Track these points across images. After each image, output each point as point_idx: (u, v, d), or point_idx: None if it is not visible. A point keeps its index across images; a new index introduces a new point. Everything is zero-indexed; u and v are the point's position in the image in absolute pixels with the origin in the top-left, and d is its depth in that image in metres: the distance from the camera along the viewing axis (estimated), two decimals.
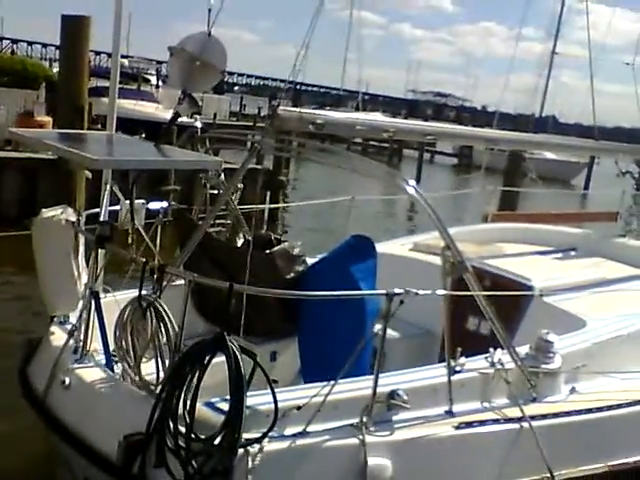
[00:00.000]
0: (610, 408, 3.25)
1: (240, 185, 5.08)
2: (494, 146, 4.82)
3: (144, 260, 2.90)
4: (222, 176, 4.43)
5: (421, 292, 2.71)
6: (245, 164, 3.81)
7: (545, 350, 3.27)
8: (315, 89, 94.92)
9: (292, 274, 4.01)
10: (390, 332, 4.56)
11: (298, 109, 3.44)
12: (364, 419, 2.71)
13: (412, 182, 3.00)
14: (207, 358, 2.52)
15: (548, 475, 2.91)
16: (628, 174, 6.31)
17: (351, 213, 5.32)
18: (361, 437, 2.66)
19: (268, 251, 4.08)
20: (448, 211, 7.43)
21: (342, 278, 3.69)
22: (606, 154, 6.32)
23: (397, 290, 2.69)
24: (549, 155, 24.37)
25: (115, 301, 3.24)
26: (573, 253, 5.77)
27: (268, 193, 14.98)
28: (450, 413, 2.94)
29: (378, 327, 4.33)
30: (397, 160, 36.42)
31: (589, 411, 3.18)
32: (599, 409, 3.22)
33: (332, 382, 2.67)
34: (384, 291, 2.71)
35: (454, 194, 8.03)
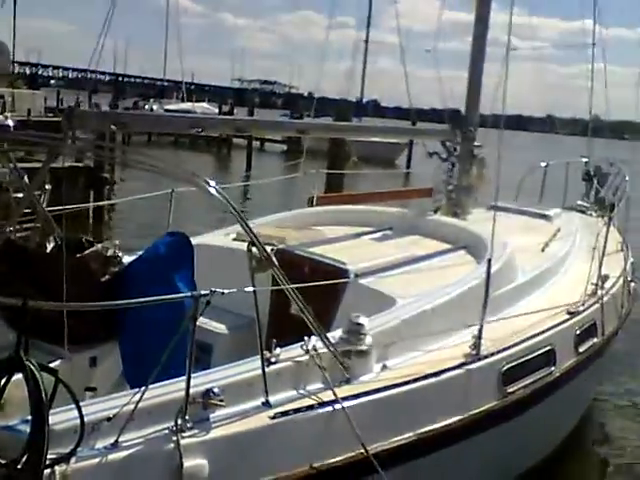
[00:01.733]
0: (416, 380, 3.42)
1: (48, 186, 4.83)
2: (304, 135, 4.92)
3: None
4: (26, 178, 4.17)
5: (226, 291, 2.70)
6: (45, 165, 3.61)
7: (356, 332, 3.37)
8: (138, 80, 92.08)
9: (107, 276, 3.88)
10: (217, 326, 4.60)
11: (94, 109, 3.27)
12: (179, 422, 2.66)
13: (212, 182, 2.97)
14: (2, 381, 2.34)
15: (362, 451, 3.01)
16: (435, 155, 6.69)
17: (172, 207, 5.19)
18: (176, 440, 2.61)
19: (79, 255, 3.90)
20: (278, 197, 7.51)
21: (158, 276, 3.62)
22: (408, 137, 6.73)
23: (203, 292, 2.66)
24: (390, 125, 25.34)
25: None
26: (390, 233, 6.03)
27: (92, 192, 14.41)
28: (267, 404, 2.96)
29: (200, 322, 4.32)
30: (227, 150, 36.27)
31: (397, 385, 3.33)
32: (406, 382, 3.38)
33: (142, 388, 2.60)
34: (189, 293, 2.67)
35: (282, 179, 8.09)
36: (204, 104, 48.50)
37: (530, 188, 9.12)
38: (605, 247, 5.38)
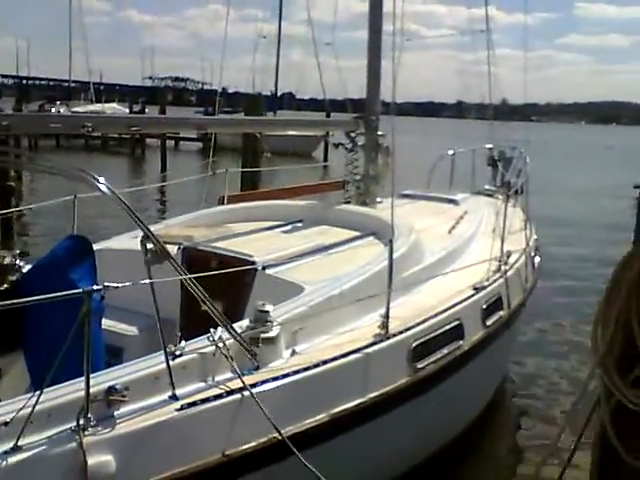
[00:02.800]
0: (325, 362, 3.50)
1: None
2: (203, 131, 4.90)
3: None
4: None
5: (120, 285, 2.69)
6: None
7: (263, 320, 3.43)
8: (44, 83, 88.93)
9: (5, 285, 3.78)
10: (127, 328, 4.55)
11: None
12: (81, 421, 2.65)
13: (102, 179, 2.95)
14: None
15: (276, 435, 3.07)
16: (341, 146, 6.79)
17: (75, 212, 5.08)
18: (78, 439, 2.60)
19: None
20: (194, 197, 7.42)
21: (57, 281, 3.53)
22: (312, 129, 6.78)
23: (95, 287, 2.65)
24: (294, 118, 25.29)
25: None
26: (300, 225, 6.10)
27: None
28: (174, 397, 2.98)
29: (109, 325, 4.27)
30: (141, 151, 35.51)
31: (306, 369, 3.41)
32: (316, 365, 3.46)
33: (38, 391, 2.57)
34: (80, 290, 2.64)
35: (194, 179, 8.00)
36: (114, 104, 47.41)
37: (442, 175, 9.39)
38: (505, 225, 5.61)
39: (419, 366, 4.07)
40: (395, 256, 4.65)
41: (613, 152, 54.63)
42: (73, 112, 37.63)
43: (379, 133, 6.80)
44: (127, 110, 41.96)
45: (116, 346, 4.35)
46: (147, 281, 2.84)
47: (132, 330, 4.53)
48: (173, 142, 37.42)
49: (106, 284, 2.65)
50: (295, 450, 3.04)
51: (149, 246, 2.87)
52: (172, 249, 4.93)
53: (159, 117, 4.89)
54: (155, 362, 3.03)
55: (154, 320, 4.57)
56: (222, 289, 4.30)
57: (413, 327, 4.11)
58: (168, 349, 3.03)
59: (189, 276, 3.02)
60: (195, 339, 3.27)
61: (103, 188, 2.90)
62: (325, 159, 32.96)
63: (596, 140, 71.50)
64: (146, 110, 39.60)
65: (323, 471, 3.07)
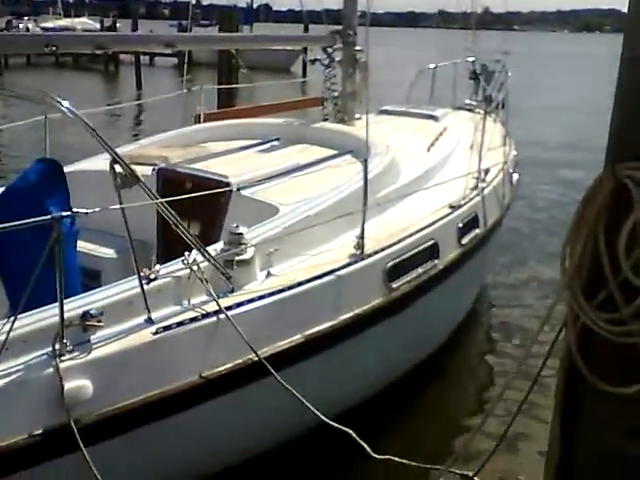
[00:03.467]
0: (300, 284, 3.53)
1: None
2: (172, 49, 4.74)
3: None
4: None
5: (90, 211, 2.67)
6: None
7: (237, 242, 3.43)
8: None
9: None
10: (104, 251, 4.54)
11: None
12: (57, 346, 2.68)
13: (65, 102, 2.87)
14: None
15: (252, 355, 3.13)
16: (317, 61, 6.61)
17: (47, 133, 4.95)
18: (55, 364, 2.63)
19: None
20: (168, 115, 7.25)
21: (29, 205, 3.48)
22: (287, 45, 6.54)
23: (64, 213, 2.62)
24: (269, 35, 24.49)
25: None
26: (277, 143, 6.02)
27: None
28: (149, 321, 3.01)
29: (86, 248, 4.25)
30: (114, 67, 34.51)
31: (281, 290, 3.44)
32: (290, 287, 3.49)
33: (11, 317, 2.59)
34: (48, 217, 2.62)
35: (169, 97, 7.79)
36: (84, 19, 45.71)
37: (424, 89, 9.23)
38: (483, 141, 5.56)
39: (394, 286, 4.11)
40: (370, 175, 4.62)
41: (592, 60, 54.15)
42: (42, 28, 36.35)
43: (357, 48, 6.61)
44: (98, 25, 40.55)
45: (93, 269, 4.35)
46: (117, 207, 2.80)
47: (109, 253, 4.53)
48: (148, 58, 36.32)
49: (75, 210, 2.63)
50: (271, 369, 3.10)
51: (118, 170, 2.81)
52: (147, 170, 4.88)
53: (126, 35, 4.71)
54: (130, 286, 3.04)
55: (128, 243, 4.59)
56: (198, 211, 4.28)
57: (388, 247, 4.13)
58: (143, 273, 3.03)
59: (160, 200, 2.99)
60: (170, 262, 3.28)
61: (65, 110, 2.82)
62: (304, 74, 32.22)
63: (574, 49, 70.57)
64: (117, 24, 38.25)
65: (299, 391, 3.14)
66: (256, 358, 3.14)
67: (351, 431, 3.32)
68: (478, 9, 8.97)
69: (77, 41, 4.03)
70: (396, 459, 3.38)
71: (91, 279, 4.18)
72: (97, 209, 2.71)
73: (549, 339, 2.37)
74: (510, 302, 7.24)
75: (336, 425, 3.28)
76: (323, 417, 3.21)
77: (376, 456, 3.36)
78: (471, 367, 5.83)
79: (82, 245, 4.13)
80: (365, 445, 3.32)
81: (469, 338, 6.16)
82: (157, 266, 3.17)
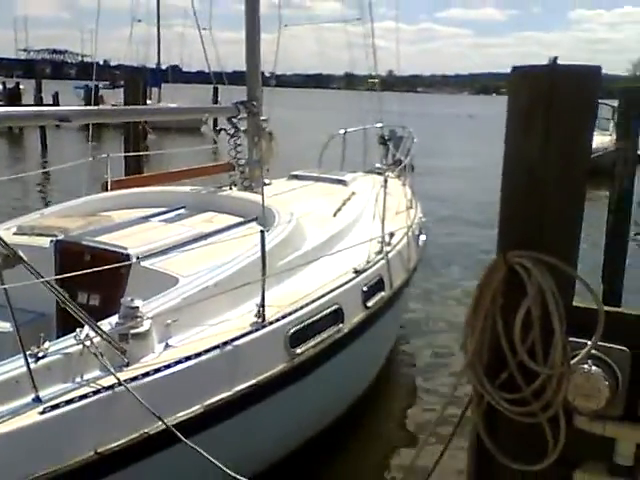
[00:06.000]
0: (198, 355, 3.47)
1: None
2: (68, 124, 4.64)
3: None
4: None
5: None
6: None
7: (131, 315, 3.36)
8: None
9: None
10: (1, 324, 4.31)
11: None
12: None
13: None
14: None
15: (159, 423, 3.06)
16: (223, 131, 6.65)
17: None
18: None
19: None
20: (75, 182, 7.05)
21: None
22: (193, 115, 6.53)
23: None
24: (172, 106, 24.61)
25: None
26: (183, 212, 5.94)
27: None
28: (37, 400, 2.89)
29: None
30: (18, 129, 33.57)
31: (178, 362, 3.37)
32: (187, 358, 3.42)
33: None
34: None
35: (74, 165, 7.60)
36: None
37: (335, 153, 9.43)
38: (385, 206, 5.67)
39: (297, 352, 4.08)
40: (274, 243, 4.62)
41: (474, 121, 57.63)
42: None
43: (262, 118, 6.70)
44: (0, 86, 39.60)
45: None
46: (0, 287, 2.71)
47: (5, 326, 4.31)
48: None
49: None
50: (179, 434, 3.02)
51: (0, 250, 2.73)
52: (45, 242, 4.77)
53: (15, 110, 4.53)
54: (16, 365, 2.93)
55: (28, 315, 4.38)
56: (97, 282, 4.16)
57: (290, 314, 4.11)
58: (31, 351, 2.96)
59: (45, 279, 2.93)
60: (62, 338, 3.20)
61: None
62: (215, 138, 32.24)
63: (457, 110, 75.24)
64: (21, 86, 37.49)
65: (200, 460, 3.05)
66: (155, 428, 3.07)
67: None
68: (382, 72, 9.32)
69: None
70: None
71: None
72: None
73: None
74: (422, 358, 7.29)
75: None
76: (233, 474, 3.11)
77: None
78: (377, 433, 5.72)
79: None
80: None
81: (379, 399, 6.11)
82: (47, 343, 3.06)
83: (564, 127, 2.05)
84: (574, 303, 2.14)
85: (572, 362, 2.04)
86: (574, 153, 2.08)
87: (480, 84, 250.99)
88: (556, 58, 2.04)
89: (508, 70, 2.15)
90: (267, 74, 6.97)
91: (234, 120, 6.47)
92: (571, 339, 2.05)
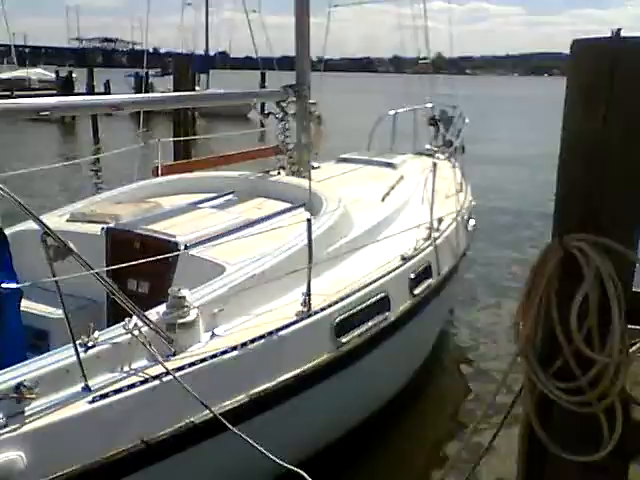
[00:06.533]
0: (244, 344, 3.47)
1: None
2: (119, 112, 4.69)
3: None
4: None
5: (20, 285, 2.62)
6: None
7: (179, 305, 3.36)
8: None
9: None
10: (52, 311, 4.41)
11: None
12: None
13: None
14: None
15: (207, 412, 3.07)
16: (271, 114, 6.63)
17: None
18: None
19: None
20: (128, 167, 7.15)
21: None
22: (243, 100, 6.55)
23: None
24: (221, 91, 24.69)
25: None
26: (232, 197, 5.96)
27: None
28: (87, 389, 2.93)
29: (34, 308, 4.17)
30: (71, 117, 34.19)
31: (224, 352, 3.38)
32: (234, 347, 3.43)
33: None
34: None
35: (125, 151, 7.69)
36: (39, 69, 45.56)
37: (385, 134, 9.31)
38: (434, 192, 5.57)
39: (343, 341, 4.06)
40: (321, 230, 4.58)
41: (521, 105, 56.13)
42: None
43: (310, 101, 6.65)
44: (53, 75, 40.41)
45: (41, 329, 4.23)
46: (50, 279, 2.75)
47: (57, 313, 4.41)
48: None
49: (4, 286, 2.55)
50: (227, 423, 3.03)
51: (49, 242, 2.75)
52: (97, 229, 4.84)
53: (67, 100, 4.58)
54: (66, 354, 2.97)
55: (80, 302, 4.47)
56: (147, 270, 4.21)
57: (336, 302, 4.08)
58: (81, 340, 3.00)
59: (94, 270, 2.92)
60: (111, 327, 3.23)
61: None
62: (262, 123, 32.40)
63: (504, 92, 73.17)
64: (73, 75, 38.19)
65: (245, 448, 3.06)
66: (202, 417, 3.09)
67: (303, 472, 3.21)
68: (431, 55, 9.16)
69: (16, 109, 3.94)
70: None
71: (39, 339, 4.11)
72: (27, 283, 2.71)
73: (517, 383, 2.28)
74: (471, 348, 7.19)
75: (291, 467, 3.18)
76: (279, 461, 3.12)
77: None
78: (423, 422, 5.64)
79: (29, 305, 4.04)
80: None
81: (424, 388, 6.05)
82: (96, 333, 3.09)
83: (628, 103, 1.96)
84: (634, 289, 2.06)
85: (631, 350, 1.97)
86: (638, 131, 1.99)
87: (532, 65, 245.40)
88: (619, 30, 1.94)
89: (561, 50, 2.05)
90: (314, 59, 6.88)
91: (283, 104, 6.45)
92: (630, 326, 1.98)
